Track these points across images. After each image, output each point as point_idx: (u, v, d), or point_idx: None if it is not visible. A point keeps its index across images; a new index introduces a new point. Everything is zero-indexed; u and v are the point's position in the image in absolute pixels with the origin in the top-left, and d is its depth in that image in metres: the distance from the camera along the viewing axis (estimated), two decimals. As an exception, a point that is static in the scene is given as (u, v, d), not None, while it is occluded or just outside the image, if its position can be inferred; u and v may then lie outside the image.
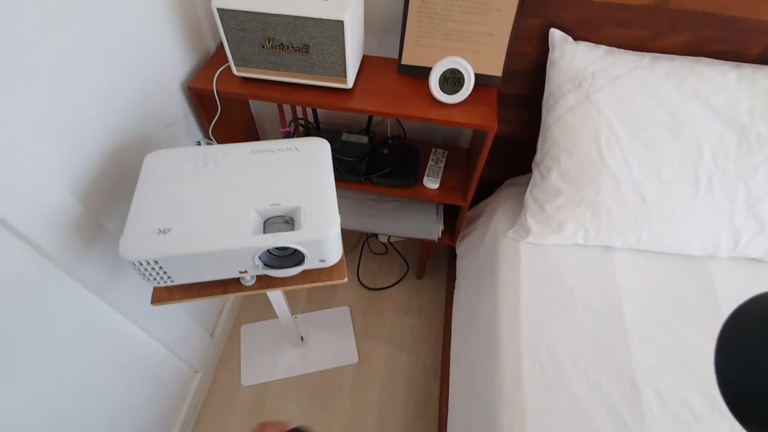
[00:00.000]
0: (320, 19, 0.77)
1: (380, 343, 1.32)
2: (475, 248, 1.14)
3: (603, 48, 0.86)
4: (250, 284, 0.70)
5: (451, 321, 1.26)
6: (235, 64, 0.87)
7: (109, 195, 0.74)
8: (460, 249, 1.23)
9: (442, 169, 1.09)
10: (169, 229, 0.60)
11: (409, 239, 1.49)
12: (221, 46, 0.99)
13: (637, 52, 0.85)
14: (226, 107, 0.96)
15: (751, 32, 0.83)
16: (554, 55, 0.87)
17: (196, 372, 1.16)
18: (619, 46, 0.87)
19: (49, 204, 0.61)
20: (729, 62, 0.84)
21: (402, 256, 1.47)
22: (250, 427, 1.12)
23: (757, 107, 0.82)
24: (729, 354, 0.30)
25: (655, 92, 0.83)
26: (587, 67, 0.84)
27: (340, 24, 0.77)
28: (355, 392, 1.22)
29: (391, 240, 1.47)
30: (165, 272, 0.62)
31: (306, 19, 0.77)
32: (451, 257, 1.45)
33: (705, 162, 0.85)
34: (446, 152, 1.13)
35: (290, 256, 0.66)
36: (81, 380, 0.74)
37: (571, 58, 0.85)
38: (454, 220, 1.23)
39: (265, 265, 0.64)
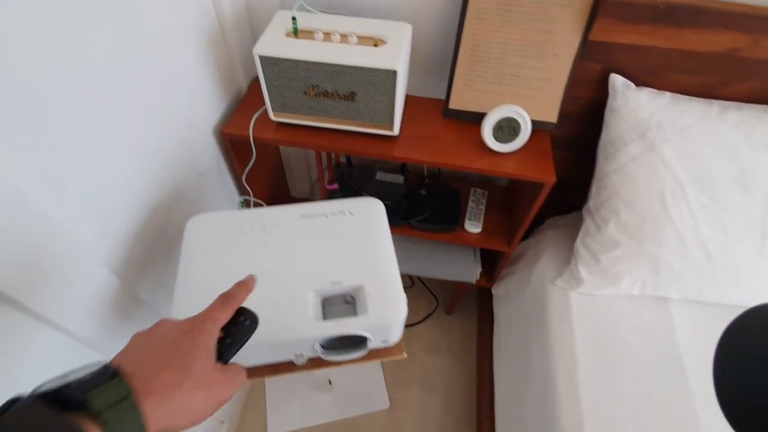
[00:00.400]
0: (372, 69, 0.71)
1: (411, 385, 1.26)
2: (516, 292, 1.08)
3: (668, 95, 0.80)
4: (302, 363, 0.64)
5: (485, 364, 1.21)
6: (273, 110, 0.81)
7: (144, 260, 0.68)
8: (498, 291, 1.17)
9: (484, 211, 1.04)
10: (222, 315, 0.54)
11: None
12: (253, 84, 0.94)
13: (704, 100, 0.80)
14: (259, 153, 0.90)
15: (825, 80, 0.78)
16: (615, 102, 0.82)
17: (222, 422, 1.09)
18: (682, 92, 0.82)
19: (85, 287, 0.55)
20: (801, 111, 0.79)
21: (430, 291, 1.42)
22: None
23: (832, 160, 0.77)
24: (728, 362, 0.30)
25: (725, 144, 0.78)
26: (652, 116, 0.79)
27: (392, 74, 0.71)
28: (387, 441, 1.16)
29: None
30: (215, 360, 0.56)
31: (356, 68, 0.71)
32: (481, 294, 1.40)
33: (774, 216, 0.80)
34: (486, 192, 1.08)
35: (351, 337, 0.60)
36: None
37: (635, 106, 0.79)
38: (490, 260, 1.17)
39: (323, 348, 0.58)
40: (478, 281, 1.14)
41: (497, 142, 0.81)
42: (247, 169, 0.90)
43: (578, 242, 0.93)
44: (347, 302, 0.59)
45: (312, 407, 1.20)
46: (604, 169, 0.85)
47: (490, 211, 1.05)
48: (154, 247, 0.71)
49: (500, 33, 0.78)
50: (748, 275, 0.84)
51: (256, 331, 0.54)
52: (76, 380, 0.29)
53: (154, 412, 0.30)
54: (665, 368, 0.83)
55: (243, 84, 0.93)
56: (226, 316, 0.40)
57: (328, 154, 1.03)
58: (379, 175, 1.08)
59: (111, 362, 0.33)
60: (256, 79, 0.94)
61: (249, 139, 0.83)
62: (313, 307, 0.57)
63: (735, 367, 0.30)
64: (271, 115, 0.82)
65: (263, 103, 0.83)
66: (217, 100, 0.85)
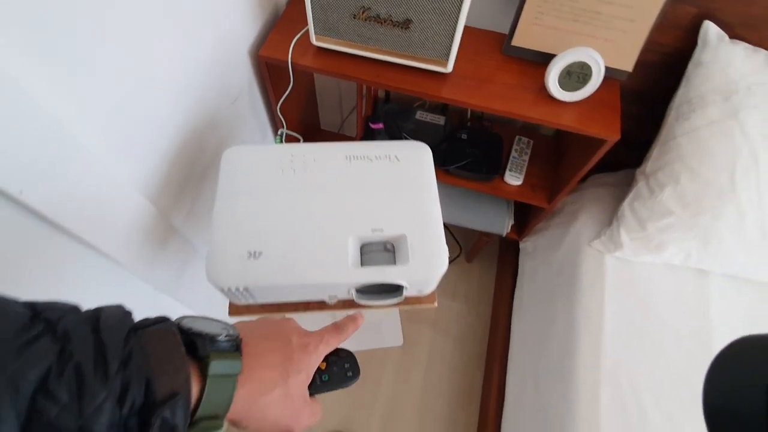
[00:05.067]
0: (436, -8, 0.62)
1: (426, 327, 1.29)
2: (547, 249, 1.05)
3: (763, 54, 0.70)
4: (333, 303, 0.64)
5: (501, 314, 1.22)
6: (315, 33, 0.74)
7: (177, 187, 0.66)
8: (526, 245, 1.15)
9: (527, 163, 0.98)
10: (260, 253, 0.53)
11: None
12: (292, 5, 0.84)
13: (808, 63, 0.70)
14: (295, 80, 0.83)
15: None
16: (704, 55, 0.71)
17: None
18: (781, 50, 0.71)
19: (121, 212, 0.53)
20: None
21: (455, 238, 1.40)
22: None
23: None
24: (716, 394, 0.30)
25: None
26: (743, 78, 0.69)
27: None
28: (398, 374, 1.22)
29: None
30: (251, 295, 0.55)
31: (417, -11, 0.62)
32: (505, 245, 1.38)
33: None
34: (531, 142, 1.01)
35: (387, 284, 0.58)
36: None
37: (726, 64, 0.69)
38: (522, 211, 1.13)
39: (358, 292, 0.57)
40: (508, 234, 1.11)
41: (562, 90, 0.73)
42: (283, 98, 0.84)
43: (625, 205, 0.87)
44: (387, 250, 0.56)
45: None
46: (673, 129, 0.78)
47: (533, 162, 0.99)
48: (188, 175, 0.68)
49: (587, -42, 0.66)
50: (803, 259, 0.79)
51: (295, 273, 0.53)
52: (210, 334, 0.31)
53: (239, 401, 0.31)
54: (694, 343, 0.82)
55: (281, 0, 0.83)
56: (336, 342, 0.42)
57: (368, 89, 0.96)
58: (419, 114, 1.01)
59: (239, 333, 0.34)
60: (297, -6, 0.85)
61: (287, 64, 0.76)
62: (353, 253, 0.54)
63: (724, 399, 0.29)
64: (313, 39, 0.75)
65: (304, 23, 0.75)
66: (251, 16, 0.77)
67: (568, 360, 0.83)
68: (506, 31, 0.79)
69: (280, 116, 0.86)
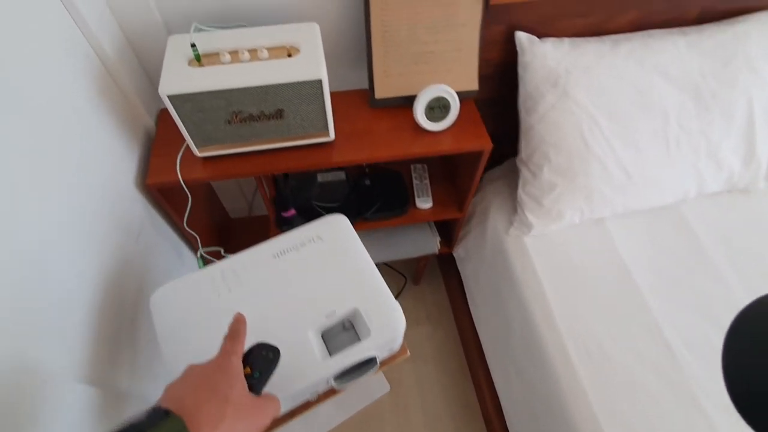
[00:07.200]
0: (295, 83, 0.67)
1: (403, 362, 1.31)
2: (477, 249, 1.15)
3: (566, 41, 0.87)
4: (316, 398, 0.64)
5: (463, 320, 1.29)
6: (196, 146, 0.75)
7: (111, 352, 0.62)
8: (459, 252, 1.24)
9: (429, 185, 1.07)
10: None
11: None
12: (161, 119, 0.85)
13: (597, 38, 0.88)
14: (192, 193, 0.82)
15: (688, -1, 0.89)
16: (525, 58, 0.86)
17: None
18: (577, 35, 0.89)
19: (66, 413, 0.49)
20: (675, 29, 0.90)
21: (395, 270, 1.45)
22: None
23: (706, 67, 0.89)
24: (735, 355, 0.30)
25: (622, 75, 0.87)
26: (559, 64, 0.85)
27: (318, 83, 0.68)
28: (398, 417, 1.22)
29: (382, 258, 1.44)
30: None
31: (277, 85, 0.67)
32: (441, 257, 1.46)
33: (671, 126, 0.92)
34: (425, 166, 1.10)
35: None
36: None
37: (543, 58, 0.85)
38: (444, 225, 1.22)
39: (336, 380, 0.59)
40: (439, 250, 1.19)
41: (431, 122, 0.82)
42: (187, 214, 0.83)
43: (520, 191, 1.00)
44: (346, 329, 0.59)
45: (321, 417, 1.21)
46: (528, 121, 0.91)
47: (434, 182, 1.08)
48: (118, 333, 0.64)
49: (406, 14, 0.77)
50: (659, 179, 0.97)
51: (274, 389, 0.53)
52: (131, 424, 0.32)
53: None
54: (616, 278, 0.95)
55: (149, 122, 0.83)
56: (240, 348, 0.43)
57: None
58: (321, 177, 1.06)
59: (156, 406, 0.34)
60: (162, 112, 0.86)
61: (180, 183, 0.76)
62: (317, 346, 0.56)
63: (744, 355, 0.29)
64: (197, 152, 0.76)
65: (181, 139, 0.76)
66: (126, 149, 0.76)
67: (532, 338, 0.91)
68: (365, 86, 0.87)
69: (190, 231, 0.85)
